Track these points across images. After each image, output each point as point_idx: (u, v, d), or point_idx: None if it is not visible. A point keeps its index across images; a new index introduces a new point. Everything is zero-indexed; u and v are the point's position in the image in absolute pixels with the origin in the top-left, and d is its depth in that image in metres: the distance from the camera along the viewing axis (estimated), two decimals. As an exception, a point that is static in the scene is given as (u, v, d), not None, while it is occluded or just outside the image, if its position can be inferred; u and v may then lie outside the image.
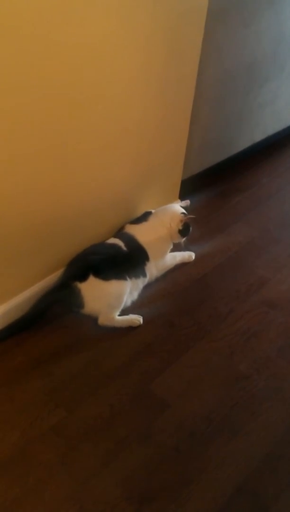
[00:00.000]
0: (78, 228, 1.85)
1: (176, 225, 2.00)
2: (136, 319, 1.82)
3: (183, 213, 2.04)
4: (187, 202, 2.16)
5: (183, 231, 2.01)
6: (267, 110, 2.74)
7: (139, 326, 1.82)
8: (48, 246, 1.76)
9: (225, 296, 2.00)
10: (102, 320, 1.79)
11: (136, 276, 1.87)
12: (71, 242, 1.85)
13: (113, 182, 1.87)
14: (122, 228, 2.02)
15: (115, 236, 1.96)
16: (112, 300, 1.78)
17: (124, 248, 1.87)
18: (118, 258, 1.83)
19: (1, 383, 1.62)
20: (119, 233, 1.99)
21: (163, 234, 1.99)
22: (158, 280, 2.02)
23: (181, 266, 2.09)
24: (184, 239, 2.06)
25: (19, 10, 1.20)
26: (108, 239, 1.94)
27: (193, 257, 2.15)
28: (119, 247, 1.86)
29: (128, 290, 1.81)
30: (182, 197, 2.34)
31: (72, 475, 1.39)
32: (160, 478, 1.40)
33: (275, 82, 2.61)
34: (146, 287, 1.96)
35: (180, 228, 2.00)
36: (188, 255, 2.14)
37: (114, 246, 1.87)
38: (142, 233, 1.96)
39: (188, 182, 2.40)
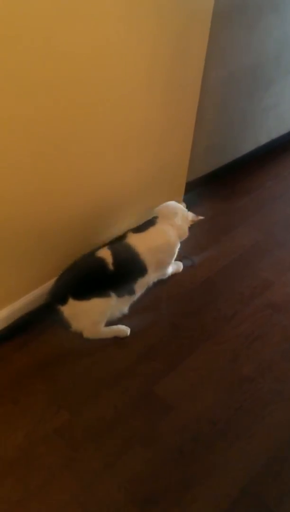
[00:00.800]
0: (81, 231, 1.85)
1: (186, 223, 1.98)
2: (123, 330, 1.80)
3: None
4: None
5: None
6: (272, 113, 2.74)
7: (143, 329, 1.82)
8: (51, 248, 1.76)
9: (229, 298, 1.99)
10: (86, 334, 1.76)
11: (121, 294, 1.78)
12: (74, 245, 1.85)
13: (117, 184, 1.87)
14: (123, 236, 1.92)
15: (109, 246, 1.83)
16: (96, 317, 1.75)
17: (110, 265, 1.73)
18: (101, 276, 1.74)
19: (5, 385, 1.62)
20: (116, 243, 1.89)
21: (172, 237, 1.92)
22: (162, 282, 2.01)
23: (185, 269, 2.08)
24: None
25: (26, 18, 1.20)
26: (100, 247, 1.84)
27: (181, 267, 2.10)
28: (104, 264, 1.74)
29: (113, 304, 1.76)
30: (186, 199, 2.34)
31: (75, 477, 1.39)
32: (164, 481, 1.40)
33: (279, 85, 2.61)
34: (150, 289, 1.95)
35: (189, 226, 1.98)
36: (178, 266, 2.09)
37: (99, 261, 1.75)
38: (145, 242, 1.85)
39: (192, 185, 2.40)
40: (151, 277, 1.89)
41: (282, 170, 2.87)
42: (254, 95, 2.50)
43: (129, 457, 1.45)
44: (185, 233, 1.98)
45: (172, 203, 2.00)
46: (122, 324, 1.81)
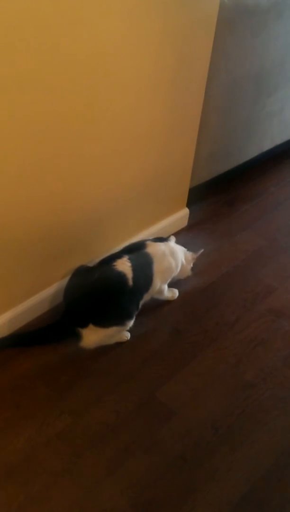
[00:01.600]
0: (84, 237, 1.85)
1: (189, 263, 1.97)
2: (124, 335, 1.79)
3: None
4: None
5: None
6: (275, 119, 2.74)
7: (145, 334, 1.82)
8: (52, 255, 1.77)
9: (232, 304, 1.99)
10: (89, 346, 1.72)
11: (132, 315, 1.74)
12: (77, 250, 1.86)
13: (120, 190, 1.88)
14: (142, 244, 1.82)
15: (129, 257, 1.71)
16: (108, 339, 1.74)
17: (130, 281, 1.66)
18: (122, 300, 1.68)
19: (7, 389, 1.63)
20: (134, 252, 1.77)
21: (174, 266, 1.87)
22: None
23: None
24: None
25: (28, 23, 1.21)
26: (117, 256, 1.74)
27: (177, 294, 2.01)
28: (125, 280, 1.66)
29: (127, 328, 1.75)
30: (190, 205, 2.35)
31: (77, 482, 1.39)
32: (165, 486, 1.40)
33: (283, 92, 2.62)
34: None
35: (192, 266, 1.98)
36: (173, 293, 2.01)
37: (120, 277, 1.66)
38: (160, 249, 1.81)
39: (196, 190, 2.40)
40: (151, 293, 1.83)
41: (285, 176, 2.88)
42: (258, 101, 2.50)
43: (131, 463, 1.44)
44: (188, 273, 1.99)
45: (170, 245, 1.90)
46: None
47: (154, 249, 1.79)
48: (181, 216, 2.33)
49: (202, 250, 2.00)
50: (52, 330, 1.74)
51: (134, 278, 1.67)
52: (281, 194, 2.72)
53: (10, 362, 1.70)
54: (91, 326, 1.65)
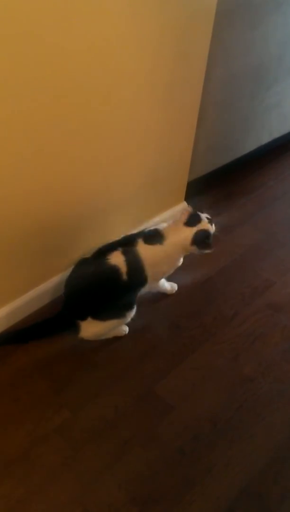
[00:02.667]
0: (83, 230, 1.85)
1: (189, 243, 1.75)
2: (121, 329, 1.80)
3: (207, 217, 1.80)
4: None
5: (200, 243, 1.73)
6: (274, 112, 2.73)
7: (144, 328, 1.82)
8: (52, 247, 1.76)
9: (230, 299, 1.99)
10: (88, 338, 1.74)
11: (132, 307, 1.74)
12: (76, 243, 1.85)
13: (119, 183, 1.87)
14: (132, 240, 1.73)
15: (122, 250, 1.68)
16: (106, 332, 1.76)
17: (125, 275, 1.64)
18: (118, 293, 1.68)
19: (6, 384, 1.63)
20: (127, 247, 1.70)
21: (176, 252, 1.77)
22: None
23: (186, 269, 2.07)
24: (207, 250, 1.76)
25: (26, 18, 1.20)
26: (109, 248, 1.70)
27: (176, 289, 2.00)
28: (119, 274, 1.64)
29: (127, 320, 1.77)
30: (188, 198, 2.34)
31: (76, 477, 1.40)
32: (164, 481, 1.40)
33: (281, 85, 2.61)
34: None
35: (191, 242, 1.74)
36: (171, 287, 1.99)
37: (114, 270, 1.64)
38: (151, 255, 1.71)
39: (194, 184, 2.40)
40: (147, 288, 1.80)
41: (283, 170, 2.87)
42: (256, 95, 2.50)
43: (130, 457, 1.45)
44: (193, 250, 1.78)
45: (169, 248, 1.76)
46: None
47: (145, 251, 1.70)
48: (179, 210, 2.32)
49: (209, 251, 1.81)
50: (53, 322, 1.75)
51: (128, 272, 1.65)
52: (279, 188, 2.72)
53: (9, 357, 1.70)
54: (89, 319, 1.67)
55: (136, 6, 1.46)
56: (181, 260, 1.84)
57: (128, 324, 1.80)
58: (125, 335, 1.79)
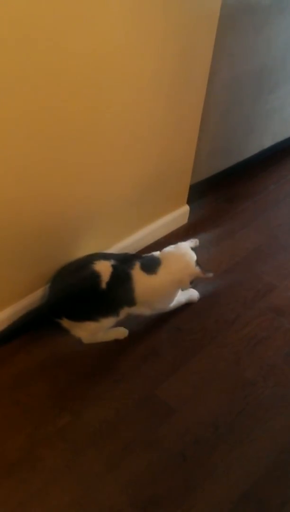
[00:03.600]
0: (85, 233, 1.85)
1: (189, 278, 1.74)
2: (122, 332, 1.79)
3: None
4: (196, 242, 1.85)
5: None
6: (276, 116, 2.73)
7: (145, 331, 1.81)
8: (54, 249, 1.76)
9: (232, 302, 1.99)
10: (85, 340, 1.74)
11: (107, 316, 1.69)
12: (78, 246, 1.85)
13: (121, 186, 1.87)
14: (130, 260, 1.71)
15: (113, 262, 1.66)
16: (90, 331, 1.72)
17: (104, 283, 1.61)
18: (92, 298, 1.64)
19: (7, 386, 1.62)
20: (122, 265, 1.68)
21: (172, 287, 1.77)
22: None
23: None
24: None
25: (30, 18, 1.20)
26: (100, 256, 1.70)
27: (196, 296, 1.97)
28: (98, 281, 1.61)
29: (104, 325, 1.71)
30: (190, 202, 2.34)
31: (76, 480, 1.39)
32: (165, 484, 1.40)
33: (284, 89, 2.61)
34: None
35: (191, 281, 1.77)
36: (191, 296, 1.96)
37: (94, 276, 1.61)
38: (145, 285, 1.69)
39: (196, 187, 2.40)
40: (140, 310, 1.77)
41: (286, 173, 2.87)
42: (259, 98, 2.50)
43: (131, 460, 1.45)
44: (187, 286, 1.79)
45: (184, 250, 1.77)
46: (124, 326, 1.81)
47: (141, 280, 1.68)
48: (181, 213, 2.32)
49: (211, 275, 1.78)
50: (34, 317, 1.76)
51: (109, 283, 1.61)
52: (281, 191, 2.72)
53: (10, 359, 1.70)
54: (64, 319, 1.68)
55: (140, 9, 1.46)
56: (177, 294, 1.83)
57: (128, 327, 1.79)
58: (126, 338, 1.79)
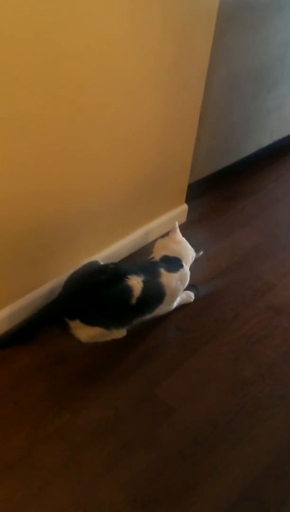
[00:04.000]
0: (83, 232, 1.85)
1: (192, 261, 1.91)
2: (120, 332, 1.78)
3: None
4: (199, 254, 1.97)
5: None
6: (275, 115, 2.73)
7: (144, 330, 1.81)
8: (53, 248, 1.76)
9: (231, 301, 1.99)
10: (83, 340, 1.71)
11: (122, 327, 1.75)
12: (76, 245, 1.85)
13: (119, 185, 1.87)
14: (158, 271, 1.75)
15: (144, 278, 1.67)
16: (94, 335, 1.71)
17: (134, 299, 1.64)
18: (118, 311, 1.68)
19: (6, 386, 1.62)
20: (150, 277, 1.71)
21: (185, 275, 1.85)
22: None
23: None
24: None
25: (28, 17, 1.20)
26: (131, 270, 1.68)
27: (193, 297, 1.99)
28: (130, 295, 1.64)
29: (113, 335, 1.75)
30: (188, 200, 2.34)
31: (76, 479, 1.39)
32: (164, 483, 1.40)
33: (283, 87, 2.61)
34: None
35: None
36: (187, 296, 1.97)
37: (127, 290, 1.63)
38: (172, 290, 1.78)
39: (195, 186, 2.40)
40: (151, 315, 1.81)
41: (284, 172, 2.87)
42: (258, 97, 2.50)
43: (130, 459, 1.44)
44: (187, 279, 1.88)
45: (177, 235, 1.93)
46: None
47: (168, 280, 1.75)
48: (180, 212, 2.32)
49: (201, 252, 1.97)
50: (42, 315, 1.73)
51: (139, 298, 1.65)
52: (280, 190, 2.72)
53: (8, 359, 1.70)
54: (77, 321, 1.65)
55: (138, 8, 1.46)
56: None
57: (127, 327, 1.79)
58: (125, 337, 1.79)
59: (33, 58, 1.28)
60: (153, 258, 1.86)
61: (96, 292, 1.64)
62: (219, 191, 2.65)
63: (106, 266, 1.72)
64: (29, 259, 1.70)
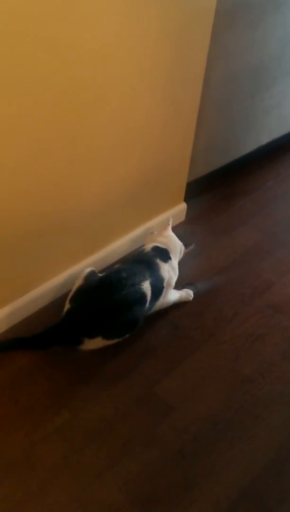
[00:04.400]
0: (82, 231, 1.85)
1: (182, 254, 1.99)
2: None
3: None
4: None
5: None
6: (273, 113, 2.73)
7: (144, 329, 1.81)
8: (53, 247, 1.76)
9: (230, 299, 1.99)
10: (84, 348, 1.69)
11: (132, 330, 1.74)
12: (76, 244, 1.85)
13: (118, 184, 1.87)
14: (156, 264, 1.80)
15: (150, 280, 1.72)
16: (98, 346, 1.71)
17: (148, 303, 1.71)
18: (138, 319, 1.69)
19: (6, 385, 1.62)
20: (151, 272, 1.75)
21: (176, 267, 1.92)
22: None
23: (186, 269, 2.07)
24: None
25: (27, 15, 1.20)
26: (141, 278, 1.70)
27: (192, 296, 1.98)
28: (145, 301, 1.69)
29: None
30: (187, 199, 2.34)
31: (76, 478, 1.39)
32: (164, 482, 1.40)
33: (281, 85, 2.61)
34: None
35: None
36: (186, 294, 1.97)
37: (143, 298, 1.68)
38: (168, 280, 1.83)
39: (193, 185, 2.40)
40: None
41: (283, 170, 2.87)
42: (256, 95, 2.50)
43: (130, 458, 1.44)
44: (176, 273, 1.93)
45: (167, 230, 1.99)
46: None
47: (165, 270, 1.81)
48: (179, 210, 2.32)
49: (192, 246, 2.02)
50: (55, 334, 1.68)
51: (149, 299, 1.72)
52: (279, 188, 2.72)
53: (9, 358, 1.70)
54: (99, 338, 1.65)
55: (136, 6, 1.46)
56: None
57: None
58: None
59: (33, 57, 1.28)
60: (144, 250, 1.88)
61: (120, 307, 1.65)
62: (218, 189, 2.65)
63: (119, 276, 1.69)
64: (27, 259, 1.70)
